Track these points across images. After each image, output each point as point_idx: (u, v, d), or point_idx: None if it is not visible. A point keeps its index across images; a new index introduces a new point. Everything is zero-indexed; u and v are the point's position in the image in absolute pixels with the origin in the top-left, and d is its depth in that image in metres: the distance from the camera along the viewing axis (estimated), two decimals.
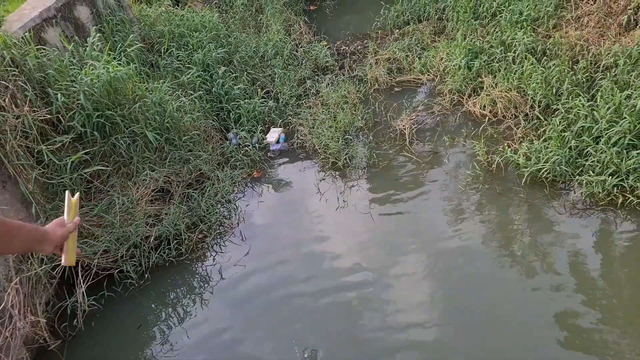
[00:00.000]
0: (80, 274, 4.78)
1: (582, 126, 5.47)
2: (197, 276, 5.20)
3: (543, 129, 5.83)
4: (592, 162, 5.20)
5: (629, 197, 4.89)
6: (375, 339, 4.31)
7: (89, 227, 5.08)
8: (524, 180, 5.41)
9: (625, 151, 5.09)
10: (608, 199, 5.01)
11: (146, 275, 5.10)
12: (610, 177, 5.00)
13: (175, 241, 5.30)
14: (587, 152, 5.30)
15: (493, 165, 5.71)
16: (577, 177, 5.25)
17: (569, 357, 3.93)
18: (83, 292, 4.71)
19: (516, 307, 4.36)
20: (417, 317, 4.42)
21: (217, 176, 6.06)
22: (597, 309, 4.19)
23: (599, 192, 5.02)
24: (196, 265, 5.29)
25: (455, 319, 4.36)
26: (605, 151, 5.11)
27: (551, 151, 5.37)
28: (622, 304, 4.23)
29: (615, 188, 4.99)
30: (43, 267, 4.62)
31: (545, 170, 5.31)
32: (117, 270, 5.00)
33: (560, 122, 5.70)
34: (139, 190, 5.51)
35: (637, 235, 4.76)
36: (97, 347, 4.59)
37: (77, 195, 2.11)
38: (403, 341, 4.26)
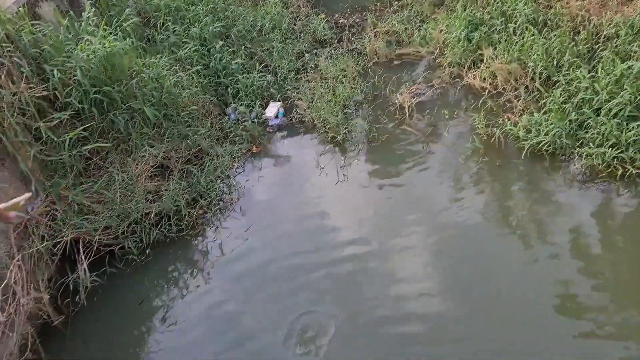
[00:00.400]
0: (81, 251, 4.80)
1: (582, 98, 5.43)
2: (197, 251, 5.23)
3: (543, 101, 5.78)
4: (592, 134, 5.17)
5: (629, 169, 4.88)
6: (377, 309, 4.35)
7: (90, 203, 5.09)
8: (523, 153, 5.39)
9: (625, 123, 5.06)
10: (608, 170, 5.00)
11: (147, 251, 5.13)
12: (610, 149, 4.97)
13: (175, 217, 5.31)
14: (588, 124, 5.27)
15: (493, 139, 5.68)
16: (577, 149, 5.23)
17: (564, 324, 3.97)
18: (85, 268, 4.74)
19: (515, 278, 4.39)
20: (417, 287, 4.46)
21: (216, 152, 6.05)
22: (594, 279, 4.21)
23: (599, 164, 5.00)
24: (197, 241, 5.32)
25: (455, 289, 4.39)
26: (606, 123, 5.08)
27: (551, 123, 5.34)
28: (618, 274, 4.25)
29: (615, 160, 4.97)
30: (44, 244, 4.63)
31: (546, 143, 5.29)
32: (118, 247, 5.02)
33: (560, 94, 5.65)
34: (138, 166, 5.50)
35: (636, 206, 4.77)
36: (100, 323, 4.64)
37: (24, 199, 2.19)
38: (404, 311, 4.30)
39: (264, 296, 4.66)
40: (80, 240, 4.85)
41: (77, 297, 4.70)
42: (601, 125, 5.13)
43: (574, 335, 3.88)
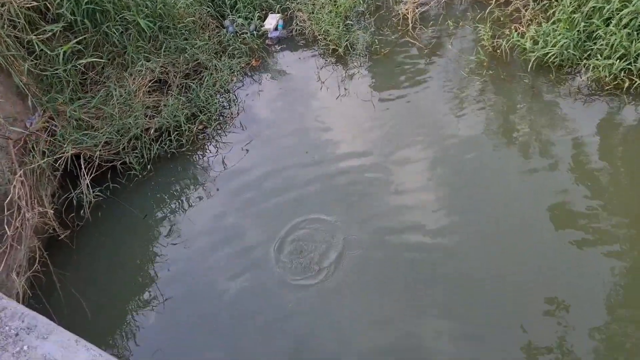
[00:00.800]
0: (83, 166, 4.81)
1: (593, 7, 5.22)
2: (198, 166, 5.24)
3: (552, 10, 5.57)
4: (600, 45, 5.01)
5: (636, 81, 4.78)
6: (377, 218, 4.42)
7: (88, 119, 5.04)
8: (529, 65, 5.26)
9: (636, 33, 4.90)
10: (614, 83, 4.90)
11: (149, 167, 5.14)
12: (619, 60, 4.85)
13: (175, 132, 5.27)
14: (597, 34, 5.10)
15: (498, 51, 5.53)
16: (584, 61, 5.10)
17: (559, 232, 4.04)
18: (87, 183, 4.77)
19: (513, 188, 4.44)
20: (418, 198, 4.50)
21: (215, 65, 5.91)
22: (591, 189, 4.25)
23: (606, 77, 4.90)
24: (198, 156, 5.32)
25: (455, 202, 4.43)
26: (615, 33, 4.92)
27: (560, 34, 5.18)
28: (618, 186, 4.28)
29: (623, 72, 4.87)
30: (45, 159, 4.63)
31: (552, 55, 5.15)
32: (119, 162, 5.02)
33: (570, 2, 5.43)
34: (135, 81, 5.40)
35: (637, 119, 4.72)
36: (105, 236, 4.73)
37: None
38: (405, 221, 4.37)
39: (265, 208, 4.71)
40: (81, 156, 4.84)
41: (82, 211, 4.76)
42: (610, 35, 4.97)
43: (569, 242, 3.96)
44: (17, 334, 2.62)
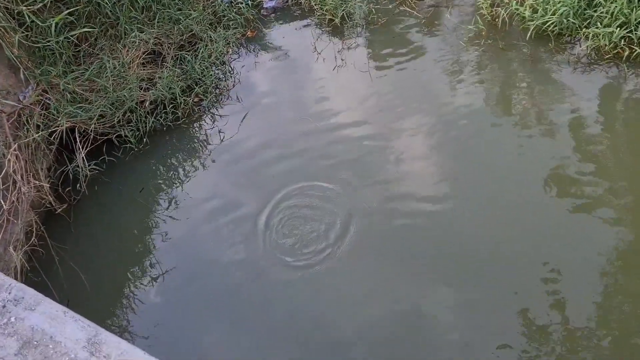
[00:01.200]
0: (78, 140, 4.76)
1: None
2: (195, 139, 5.20)
3: None
4: (601, 12, 4.95)
5: (636, 50, 4.74)
6: (376, 187, 4.41)
7: (82, 92, 4.97)
8: (528, 34, 5.20)
9: (637, 0, 4.83)
10: (614, 52, 4.85)
11: (145, 140, 5.09)
12: (619, 28, 4.79)
13: (171, 105, 5.22)
14: (597, 2, 5.03)
15: (497, 20, 5.46)
16: (583, 30, 5.04)
17: (557, 200, 4.06)
18: (83, 157, 4.72)
19: (512, 158, 4.43)
20: (417, 167, 4.49)
21: (210, 37, 5.81)
22: (590, 157, 4.25)
23: (606, 45, 4.85)
24: (194, 129, 5.27)
25: (452, 170, 4.43)
26: (616, 0, 4.85)
27: (559, 2, 5.10)
28: (616, 154, 4.27)
29: (623, 40, 4.81)
30: (40, 133, 4.59)
31: (552, 23, 5.09)
32: (115, 135, 4.97)
33: None
34: (129, 52, 5.31)
35: (637, 88, 4.69)
36: (102, 210, 4.71)
37: None
38: (403, 191, 4.36)
39: (262, 177, 4.69)
40: (76, 129, 4.79)
41: (78, 185, 4.73)
42: (611, 3, 4.90)
43: (567, 209, 3.97)
44: (4, 306, 2.63)
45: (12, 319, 2.56)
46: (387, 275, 3.86)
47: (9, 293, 2.67)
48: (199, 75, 5.48)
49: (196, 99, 5.41)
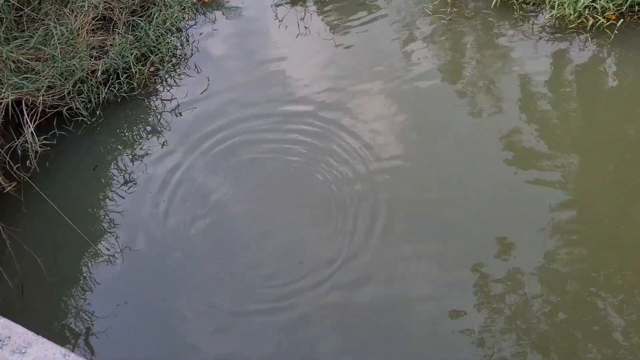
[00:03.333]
0: (25, 113, 4.43)
1: None
2: (151, 111, 4.94)
3: None
4: None
5: (599, 19, 4.76)
6: (334, 155, 4.34)
7: (27, 61, 4.61)
8: (493, 3, 5.15)
9: None
10: (578, 21, 4.86)
11: (98, 112, 4.80)
12: None
13: (125, 75, 4.92)
14: None
15: None
16: None
17: (514, 171, 4.07)
18: (32, 131, 4.41)
19: (469, 127, 4.41)
20: (379, 129, 4.45)
21: (164, 1, 5.48)
22: (546, 130, 4.26)
23: (570, 14, 4.84)
24: (150, 100, 5.00)
25: (413, 138, 4.38)
26: None
27: None
28: (570, 123, 4.33)
29: (587, 9, 4.82)
30: None
31: None
32: (66, 108, 4.66)
33: None
34: (77, 18, 4.95)
35: (599, 58, 4.73)
36: (56, 188, 4.43)
37: None
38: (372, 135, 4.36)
39: (221, 149, 4.52)
40: (23, 102, 4.46)
41: (28, 162, 4.43)
42: None
43: (526, 181, 3.98)
44: None
45: None
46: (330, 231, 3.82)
47: None
48: (154, 42, 5.18)
49: (152, 69, 5.13)
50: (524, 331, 3.26)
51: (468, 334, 3.30)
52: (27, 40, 4.69)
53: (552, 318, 3.28)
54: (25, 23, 4.85)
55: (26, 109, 4.45)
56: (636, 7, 4.80)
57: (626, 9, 4.77)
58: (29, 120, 4.44)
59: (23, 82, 4.45)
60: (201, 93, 4.97)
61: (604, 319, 3.24)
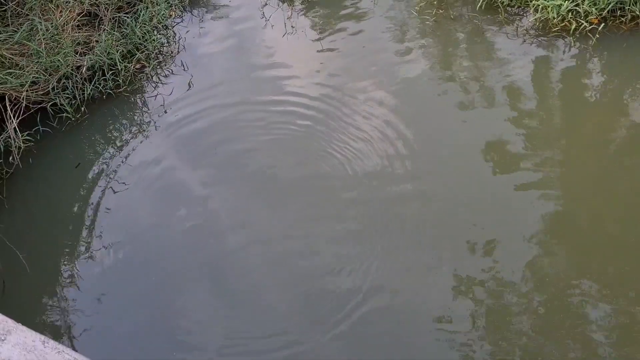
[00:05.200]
0: (8, 108, 4.39)
1: None
2: (137, 109, 4.92)
3: None
4: None
5: (582, 23, 4.82)
6: (331, 148, 4.36)
7: (11, 56, 4.57)
8: (479, 5, 5.20)
9: None
10: (561, 25, 4.92)
11: (82, 109, 4.78)
12: (566, 1, 4.86)
13: (111, 72, 4.89)
14: None
15: None
16: (533, 1, 5.08)
17: (500, 176, 4.10)
18: (15, 127, 4.38)
19: (457, 128, 4.42)
20: (362, 134, 4.45)
21: None
22: (531, 132, 4.30)
23: (553, 18, 4.91)
24: (136, 97, 4.99)
25: (399, 134, 4.39)
26: None
27: None
28: (553, 126, 4.37)
29: (570, 13, 4.89)
30: None
31: None
32: (50, 104, 4.63)
33: None
34: (62, 13, 4.92)
35: (582, 61, 4.80)
36: (39, 184, 4.40)
37: None
38: (362, 138, 4.37)
39: (207, 148, 4.51)
40: (6, 98, 4.42)
41: (11, 158, 4.39)
42: None
43: (507, 184, 4.00)
44: None
45: None
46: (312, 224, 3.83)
47: None
48: (140, 39, 5.16)
49: (138, 66, 5.11)
50: (508, 335, 3.30)
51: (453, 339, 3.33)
52: (11, 35, 4.65)
53: (534, 320, 3.32)
54: (9, 18, 4.81)
55: (9, 105, 4.42)
56: (618, 12, 4.87)
57: (608, 12, 4.84)
58: (12, 116, 4.40)
59: (6, 77, 4.41)
60: (187, 90, 4.96)
61: (586, 320, 3.29)
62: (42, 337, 2.00)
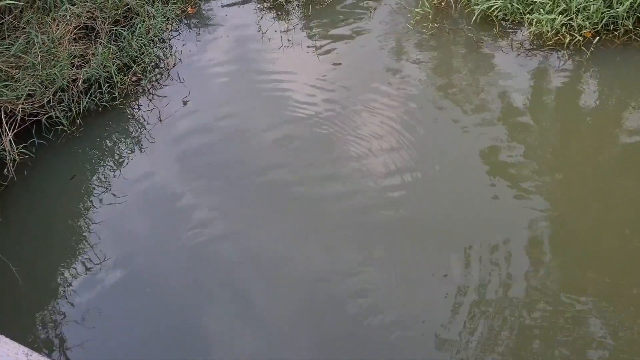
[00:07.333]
0: (4, 121, 4.40)
1: None
2: (133, 120, 4.93)
3: None
4: None
5: (576, 37, 4.86)
6: (334, 160, 4.36)
7: (7, 68, 4.59)
8: (473, 19, 5.23)
9: None
10: (555, 38, 4.96)
11: (78, 121, 4.78)
12: (560, 15, 4.90)
13: (107, 85, 4.91)
14: None
15: (443, 3, 5.46)
16: (527, 15, 5.12)
17: (487, 184, 4.08)
18: (10, 140, 4.38)
19: (454, 139, 4.43)
20: (371, 141, 4.47)
21: (147, 11, 5.50)
22: (526, 146, 4.29)
23: (548, 31, 4.94)
24: (132, 110, 4.99)
25: (397, 145, 4.40)
26: None
27: None
28: (548, 140, 4.36)
29: (564, 27, 4.92)
30: None
31: (496, 8, 5.14)
32: (45, 116, 4.64)
33: None
34: (59, 27, 4.95)
35: (576, 74, 4.82)
36: (34, 197, 4.39)
37: None
38: (361, 152, 4.37)
39: (204, 163, 4.51)
40: (2, 110, 4.42)
41: (5, 170, 4.38)
42: None
43: (503, 196, 3.99)
44: None
45: None
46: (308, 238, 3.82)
47: None
48: (136, 52, 5.19)
49: (134, 78, 5.12)
50: (500, 343, 3.28)
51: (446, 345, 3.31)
52: (8, 48, 4.67)
53: (528, 331, 3.30)
54: (6, 31, 4.83)
55: (5, 117, 4.42)
56: (611, 26, 4.90)
57: (601, 27, 4.87)
58: (7, 129, 4.40)
59: (2, 89, 4.42)
60: (183, 103, 4.97)
61: (581, 330, 3.27)
62: (26, 349, 1.98)
